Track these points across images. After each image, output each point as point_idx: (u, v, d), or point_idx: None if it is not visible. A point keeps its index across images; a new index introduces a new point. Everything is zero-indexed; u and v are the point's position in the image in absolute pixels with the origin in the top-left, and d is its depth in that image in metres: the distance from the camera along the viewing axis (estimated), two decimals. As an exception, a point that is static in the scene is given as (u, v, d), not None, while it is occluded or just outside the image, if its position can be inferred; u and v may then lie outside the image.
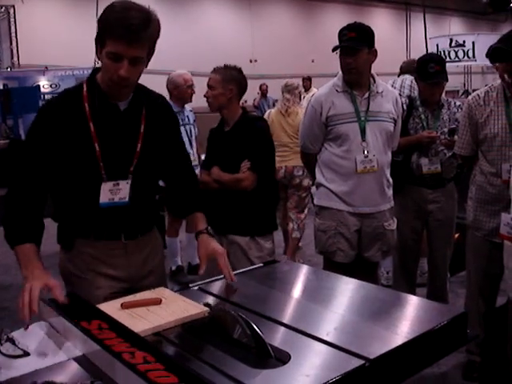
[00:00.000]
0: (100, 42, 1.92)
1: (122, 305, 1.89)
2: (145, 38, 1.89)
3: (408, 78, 4.90)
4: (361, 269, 3.44)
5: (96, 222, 2.13)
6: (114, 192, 2.07)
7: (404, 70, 5.21)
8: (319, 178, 3.45)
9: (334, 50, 3.26)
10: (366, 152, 3.27)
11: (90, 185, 2.05)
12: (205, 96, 3.27)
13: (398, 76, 5.24)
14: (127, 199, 2.11)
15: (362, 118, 3.29)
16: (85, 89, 2.04)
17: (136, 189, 2.13)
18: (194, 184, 2.40)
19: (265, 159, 3.26)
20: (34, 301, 1.79)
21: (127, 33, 1.84)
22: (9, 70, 14.02)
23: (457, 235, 4.14)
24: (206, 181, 3.24)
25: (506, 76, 3.02)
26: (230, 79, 3.22)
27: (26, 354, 1.67)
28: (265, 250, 3.24)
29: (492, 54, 2.63)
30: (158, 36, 1.96)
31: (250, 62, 17.13)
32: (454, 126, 3.75)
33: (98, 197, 2.06)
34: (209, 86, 3.25)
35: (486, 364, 3.18)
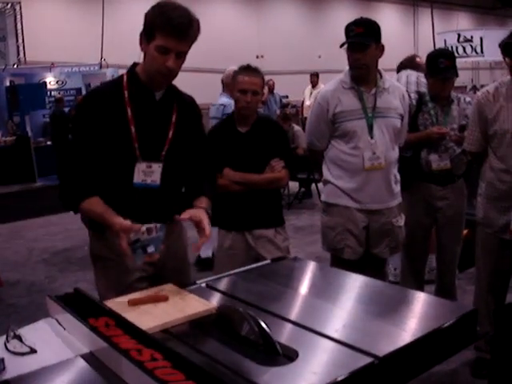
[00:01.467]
0: (148, 36, 2.13)
1: (129, 302, 1.89)
2: (191, 35, 2.15)
3: (413, 74, 4.81)
4: (369, 265, 3.42)
5: (128, 203, 2.23)
6: (147, 174, 2.25)
7: (403, 66, 5.12)
8: (326, 174, 3.43)
9: (341, 45, 3.23)
10: (373, 149, 3.25)
11: (125, 165, 2.23)
12: (247, 101, 3.12)
13: (398, 72, 5.14)
14: (158, 182, 2.26)
15: (370, 115, 3.27)
16: (125, 78, 2.28)
17: (167, 174, 2.28)
18: (204, 175, 2.53)
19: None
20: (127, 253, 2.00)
21: (178, 30, 2.08)
22: (15, 66, 14.05)
23: (466, 232, 4.11)
24: (223, 184, 3.15)
25: None
26: (264, 82, 3.26)
27: (33, 351, 1.66)
28: (288, 239, 3.37)
29: (504, 48, 2.60)
30: (198, 34, 2.20)
31: (257, 57, 17.07)
32: (464, 123, 3.72)
33: (132, 177, 2.23)
34: (254, 91, 3.14)
35: (496, 361, 3.15)
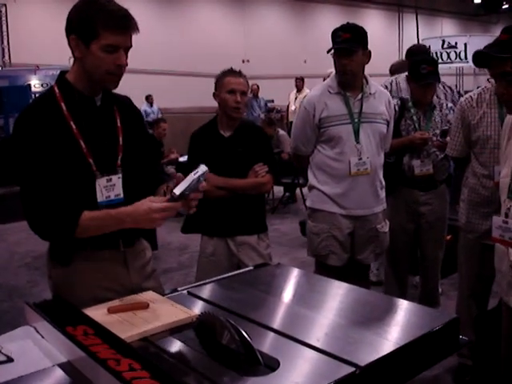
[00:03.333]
0: (87, 36, 1.92)
1: (108, 309, 1.86)
2: (135, 26, 1.97)
3: (403, 80, 4.78)
4: (352, 271, 3.42)
5: None
6: (109, 189, 2.07)
7: (394, 70, 5.15)
8: (312, 180, 3.43)
9: (328, 51, 3.23)
10: (359, 154, 3.25)
11: (84, 184, 2.02)
12: (237, 101, 3.11)
13: (392, 75, 5.16)
14: (122, 195, 2.10)
15: (356, 120, 3.27)
16: (57, 91, 2.04)
17: (128, 184, 2.12)
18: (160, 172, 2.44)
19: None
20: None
21: (124, 24, 1.92)
22: (0, 68, 13.94)
23: (448, 237, 4.12)
24: (205, 189, 3.14)
25: (491, 80, 3.00)
26: (248, 85, 3.26)
27: (10, 359, 1.63)
28: (270, 246, 3.35)
29: (475, 58, 2.60)
30: (138, 29, 2.02)
31: (243, 62, 17.06)
32: (446, 128, 3.74)
33: (95, 196, 2.04)
34: (242, 91, 3.14)
35: (478, 367, 3.16)
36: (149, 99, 14.60)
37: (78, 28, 1.93)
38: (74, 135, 2.00)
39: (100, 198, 2.05)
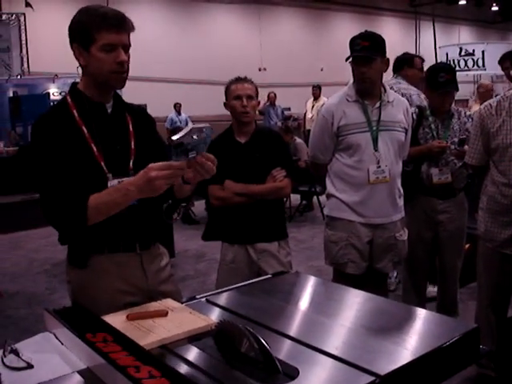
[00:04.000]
0: (85, 42, 2.01)
1: (127, 316, 1.87)
2: (129, 25, 2.05)
3: (412, 93, 4.64)
4: (370, 280, 3.40)
5: (109, 229, 2.11)
6: None
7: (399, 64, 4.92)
8: (330, 188, 3.42)
9: (347, 59, 3.22)
10: (378, 162, 3.24)
11: (97, 186, 2.04)
12: (243, 105, 3.14)
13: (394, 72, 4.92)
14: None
15: (374, 128, 3.26)
16: (69, 99, 2.13)
17: None
18: None
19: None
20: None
21: (117, 22, 2.00)
22: (19, 77, 14.09)
23: (467, 246, 4.09)
24: (224, 196, 3.19)
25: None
26: (257, 91, 3.25)
27: (30, 366, 1.64)
28: (290, 254, 3.33)
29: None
30: (133, 28, 2.09)
31: (259, 70, 17.13)
32: (464, 137, 3.72)
33: None
34: (248, 95, 3.15)
35: (500, 376, 3.12)
36: (176, 107, 14.52)
37: (77, 36, 2.03)
38: (85, 140, 2.07)
39: None
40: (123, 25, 2.02)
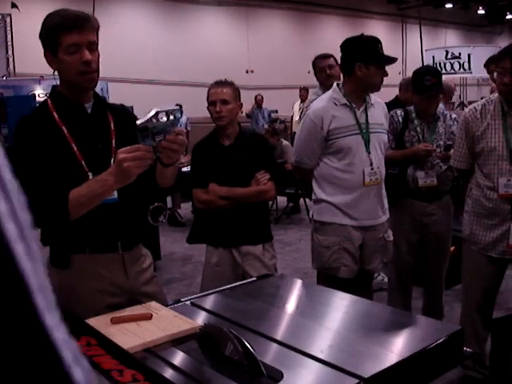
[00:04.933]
0: (53, 46, 2.04)
1: (111, 320, 1.86)
2: (92, 23, 2.06)
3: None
4: (357, 281, 3.40)
5: (90, 222, 2.10)
6: None
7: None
8: (319, 193, 3.37)
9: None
10: (371, 164, 3.26)
11: (77, 184, 2.03)
12: (216, 111, 3.12)
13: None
14: (116, 196, 2.15)
15: (364, 130, 3.27)
16: (49, 101, 2.17)
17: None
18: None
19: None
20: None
21: (76, 21, 2.01)
22: (4, 78, 14.00)
23: (452, 248, 4.11)
24: (209, 199, 3.16)
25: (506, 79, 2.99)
26: (239, 94, 3.23)
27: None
28: (275, 257, 3.31)
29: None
30: (98, 25, 2.11)
31: (246, 72, 17.15)
32: (450, 143, 3.73)
33: None
34: (222, 100, 3.13)
35: (492, 377, 3.11)
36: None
37: (46, 42, 2.07)
38: (66, 139, 2.10)
39: None
40: (85, 23, 2.03)
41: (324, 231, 3.37)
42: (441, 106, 4.01)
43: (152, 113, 1.76)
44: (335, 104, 3.28)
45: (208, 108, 3.22)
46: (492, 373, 3.11)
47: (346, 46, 3.29)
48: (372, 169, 3.25)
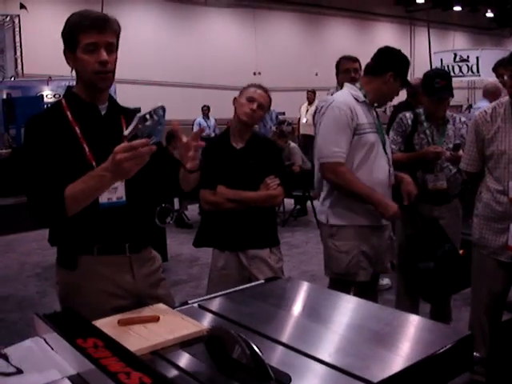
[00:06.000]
0: (71, 45, 2.07)
1: (118, 321, 1.85)
2: (112, 24, 2.08)
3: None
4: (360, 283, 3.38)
5: (98, 224, 2.12)
6: (111, 191, 2.11)
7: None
8: (337, 194, 3.28)
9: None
10: (389, 163, 3.27)
11: None
12: (252, 109, 3.08)
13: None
14: (124, 198, 2.15)
15: (379, 130, 3.27)
16: (63, 101, 2.18)
17: (131, 188, 2.17)
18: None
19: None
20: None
21: (96, 22, 2.04)
22: (13, 79, 14.05)
23: (461, 252, 4.08)
24: (216, 201, 3.14)
25: None
26: (270, 105, 3.23)
27: (19, 371, 1.61)
28: (282, 260, 3.29)
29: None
30: (119, 28, 2.13)
31: (254, 74, 17.15)
32: (458, 142, 3.72)
33: (97, 199, 2.07)
34: (260, 103, 3.10)
35: (491, 382, 3.09)
36: (203, 110, 14.10)
37: (66, 41, 2.09)
38: (78, 139, 2.10)
39: (102, 199, 2.10)
40: (105, 24, 2.05)
41: (341, 236, 3.29)
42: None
43: (135, 120, 1.74)
44: (357, 100, 3.25)
45: (239, 101, 3.14)
46: (488, 376, 3.09)
47: (387, 52, 3.31)
48: (390, 167, 3.29)
